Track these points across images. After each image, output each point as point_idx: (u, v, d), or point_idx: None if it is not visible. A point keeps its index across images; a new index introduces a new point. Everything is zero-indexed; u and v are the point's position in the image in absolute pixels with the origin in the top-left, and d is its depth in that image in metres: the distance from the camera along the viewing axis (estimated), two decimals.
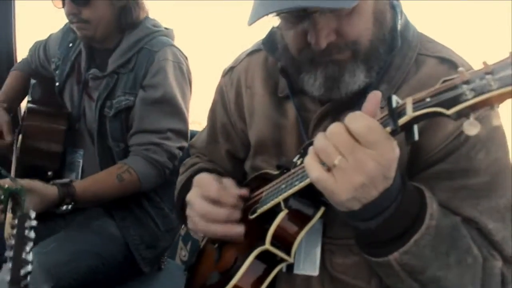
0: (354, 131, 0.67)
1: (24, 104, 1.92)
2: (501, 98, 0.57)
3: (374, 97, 0.70)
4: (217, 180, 0.93)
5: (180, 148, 1.55)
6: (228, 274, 0.88)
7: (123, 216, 1.58)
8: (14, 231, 0.83)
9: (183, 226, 1.74)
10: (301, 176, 0.80)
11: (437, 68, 0.87)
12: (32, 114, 1.70)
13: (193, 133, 1.48)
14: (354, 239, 0.81)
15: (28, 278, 0.78)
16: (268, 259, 0.87)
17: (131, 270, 1.59)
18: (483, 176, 0.82)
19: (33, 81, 1.87)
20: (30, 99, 1.82)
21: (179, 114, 1.55)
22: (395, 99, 0.67)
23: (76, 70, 1.67)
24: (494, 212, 0.82)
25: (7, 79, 1.91)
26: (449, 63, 0.86)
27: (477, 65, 0.60)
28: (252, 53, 1.09)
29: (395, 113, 0.66)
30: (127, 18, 1.53)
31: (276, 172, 0.93)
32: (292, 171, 0.85)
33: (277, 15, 0.82)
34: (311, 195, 0.82)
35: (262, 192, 0.93)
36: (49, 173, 1.67)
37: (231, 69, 1.13)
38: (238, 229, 0.89)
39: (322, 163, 0.69)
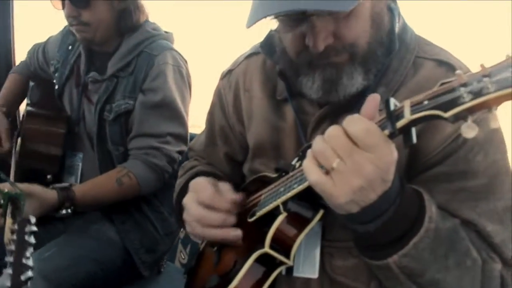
0: (352, 134, 0.67)
1: (22, 107, 1.92)
2: (499, 100, 0.57)
3: (373, 100, 0.70)
4: (212, 185, 0.93)
5: (180, 152, 1.55)
6: (228, 277, 0.88)
7: (122, 220, 1.58)
8: (14, 236, 0.83)
9: (182, 229, 1.74)
10: (299, 179, 0.80)
11: (435, 71, 0.87)
12: (31, 117, 1.70)
13: (192, 136, 1.48)
14: (353, 242, 0.81)
15: (29, 283, 0.78)
16: (267, 262, 0.87)
17: (130, 274, 1.59)
18: (482, 179, 0.82)
19: (31, 83, 1.87)
20: (28, 101, 1.82)
21: (179, 118, 1.55)
22: (393, 102, 0.67)
23: (75, 73, 1.66)
24: (493, 215, 0.82)
25: (6, 82, 1.91)
26: (447, 65, 0.86)
27: (477, 66, 0.60)
28: (250, 56, 1.10)
29: (393, 116, 0.66)
30: (127, 21, 1.53)
31: (274, 175, 0.93)
32: (291, 174, 0.85)
33: (275, 17, 0.82)
34: (310, 198, 0.82)
35: (260, 195, 0.93)
36: (48, 176, 1.67)
37: (229, 72, 1.13)
38: (235, 233, 0.89)
39: (321, 166, 0.69)
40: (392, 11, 0.90)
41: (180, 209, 1.01)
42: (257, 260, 0.86)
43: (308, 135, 0.94)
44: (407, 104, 0.65)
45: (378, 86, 0.87)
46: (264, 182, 0.95)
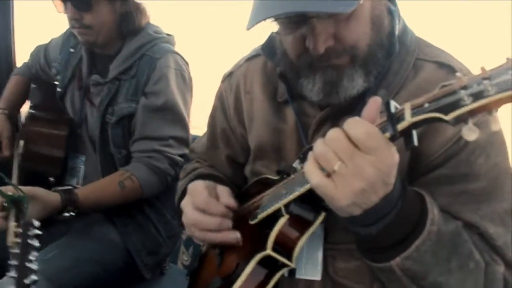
0: (353, 137, 0.67)
1: (23, 109, 1.93)
2: (499, 103, 0.57)
3: (374, 103, 0.70)
4: (209, 188, 0.94)
5: (182, 156, 1.55)
6: (230, 279, 0.88)
7: (125, 222, 1.58)
8: (18, 239, 0.84)
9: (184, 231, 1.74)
10: (301, 181, 0.80)
11: (436, 73, 0.87)
12: (33, 119, 1.71)
13: (193, 138, 1.49)
14: (355, 245, 0.81)
15: (33, 287, 0.78)
16: (269, 264, 0.87)
17: (132, 276, 1.59)
18: (483, 181, 0.82)
19: (32, 85, 1.87)
20: (31, 104, 1.82)
21: (181, 122, 1.55)
22: (393, 104, 0.68)
23: (77, 76, 1.67)
24: (495, 217, 0.82)
25: (8, 84, 1.91)
26: (448, 68, 0.86)
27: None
28: (251, 58, 1.10)
29: (393, 119, 0.66)
30: (128, 24, 1.53)
31: (276, 177, 0.93)
32: (292, 176, 0.85)
33: (276, 20, 0.82)
34: (312, 200, 0.82)
35: (262, 197, 0.93)
36: (51, 179, 1.67)
37: (230, 74, 1.13)
38: (233, 236, 0.90)
39: (322, 169, 0.69)
40: (392, 14, 0.90)
41: (180, 211, 1.01)
42: (260, 263, 0.86)
43: (309, 137, 0.94)
44: (407, 107, 0.65)
45: (378, 88, 0.87)
46: (266, 184, 0.95)
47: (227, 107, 1.12)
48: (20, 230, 0.85)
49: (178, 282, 1.64)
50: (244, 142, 1.10)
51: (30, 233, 0.83)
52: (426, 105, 0.63)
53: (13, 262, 0.81)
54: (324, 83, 0.85)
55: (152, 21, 1.63)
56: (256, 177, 1.02)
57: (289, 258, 0.86)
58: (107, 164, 1.59)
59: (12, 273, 0.79)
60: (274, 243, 0.85)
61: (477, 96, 0.58)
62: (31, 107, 1.78)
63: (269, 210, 0.88)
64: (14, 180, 1.66)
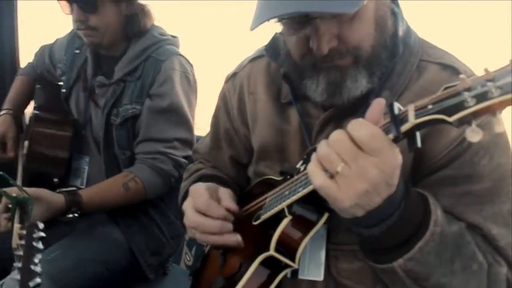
0: (356, 138, 0.67)
1: (27, 110, 1.93)
2: (502, 105, 0.57)
3: (378, 105, 0.70)
4: (210, 191, 0.94)
5: (186, 157, 1.55)
6: (233, 280, 0.89)
7: (128, 223, 1.59)
8: (22, 241, 0.84)
9: None
10: (304, 182, 0.81)
11: (439, 75, 0.87)
12: (37, 120, 1.71)
13: (197, 139, 1.49)
14: (358, 246, 0.81)
15: None
16: (272, 265, 0.87)
17: (135, 276, 1.60)
18: (487, 182, 0.82)
19: (36, 86, 1.87)
20: (35, 104, 1.83)
21: (186, 124, 1.56)
22: (397, 106, 0.68)
23: (82, 77, 1.67)
24: (498, 218, 0.82)
25: (13, 84, 1.92)
26: (451, 69, 0.86)
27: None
28: (254, 59, 1.10)
29: (397, 120, 0.66)
30: (134, 26, 1.54)
31: (279, 178, 0.93)
32: (296, 177, 0.85)
33: (279, 20, 0.82)
34: (315, 201, 0.82)
35: (265, 198, 0.93)
36: (55, 180, 1.67)
37: (234, 75, 1.13)
38: (234, 239, 0.90)
39: (325, 170, 0.69)
40: (395, 15, 0.90)
41: (183, 213, 1.01)
42: (263, 263, 0.87)
43: (312, 138, 0.94)
44: (411, 108, 0.65)
45: (382, 89, 0.87)
46: (269, 185, 0.95)
47: (231, 108, 1.12)
48: (24, 232, 0.85)
49: (181, 282, 1.64)
50: (247, 143, 1.10)
51: (34, 235, 0.83)
52: (430, 106, 0.63)
53: (17, 264, 0.81)
54: (328, 84, 0.85)
55: (155, 22, 1.64)
56: (260, 177, 1.02)
57: (292, 258, 0.86)
58: (111, 165, 1.59)
59: (16, 276, 0.79)
60: (277, 243, 0.85)
61: (480, 98, 0.58)
62: (35, 108, 1.79)
63: (272, 211, 0.88)
64: (19, 181, 1.67)
